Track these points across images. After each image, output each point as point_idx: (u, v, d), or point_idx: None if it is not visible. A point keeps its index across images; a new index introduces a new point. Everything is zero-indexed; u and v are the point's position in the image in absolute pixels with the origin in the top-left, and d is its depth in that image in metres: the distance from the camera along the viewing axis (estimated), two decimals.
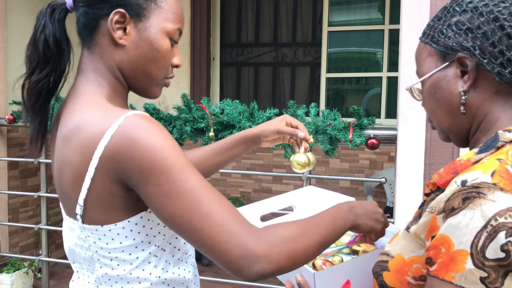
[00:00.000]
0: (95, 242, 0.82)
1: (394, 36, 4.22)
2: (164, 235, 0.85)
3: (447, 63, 0.76)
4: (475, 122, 0.77)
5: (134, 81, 0.87)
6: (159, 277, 0.86)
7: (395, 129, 1.87)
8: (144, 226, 0.82)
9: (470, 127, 0.79)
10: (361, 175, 4.12)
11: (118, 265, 0.83)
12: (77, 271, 0.93)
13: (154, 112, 2.39)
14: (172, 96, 4.51)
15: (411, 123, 1.73)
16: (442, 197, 0.67)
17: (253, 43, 4.64)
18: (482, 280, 0.61)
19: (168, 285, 0.88)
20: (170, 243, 0.87)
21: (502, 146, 0.71)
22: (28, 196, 3.34)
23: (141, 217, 0.81)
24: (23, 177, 3.44)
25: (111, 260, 0.83)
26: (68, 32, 0.87)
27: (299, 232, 0.76)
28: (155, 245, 0.84)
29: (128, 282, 0.84)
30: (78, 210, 0.80)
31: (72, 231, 0.87)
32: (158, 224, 0.83)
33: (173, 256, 0.88)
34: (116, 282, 0.84)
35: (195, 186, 0.74)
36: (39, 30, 0.85)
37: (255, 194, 4.39)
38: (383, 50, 4.28)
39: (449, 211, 0.65)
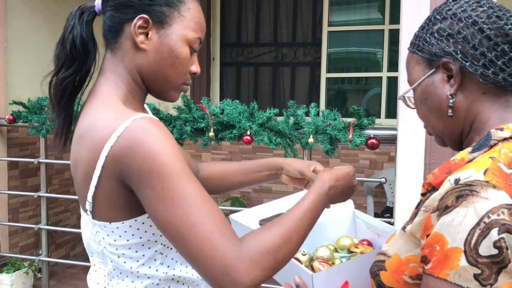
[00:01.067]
0: (103, 238, 0.85)
1: (394, 36, 4.22)
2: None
3: (433, 69, 0.79)
4: (467, 123, 0.79)
5: (153, 85, 0.90)
6: (166, 273, 0.88)
7: (395, 129, 1.87)
8: (150, 226, 0.84)
9: (462, 129, 0.80)
10: (361, 175, 4.12)
11: (125, 262, 0.85)
12: (94, 264, 0.95)
13: (154, 112, 2.39)
14: None
15: (411, 123, 1.73)
16: (436, 195, 0.68)
17: (253, 43, 4.64)
18: (475, 277, 0.61)
19: (178, 281, 0.90)
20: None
21: (495, 144, 0.72)
22: (28, 196, 3.34)
23: (148, 217, 0.83)
24: (23, 177, 3.44)
25: (118, 256, 0.85)
26: (95, 34, 0.91)
27: (283, 240, 0.77)
28: (161, 244, 0.86)
29: (138, 277, 0.86)
30: (88, 206, 0.83)
31: (86, 225, 0.90)
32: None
33: (179, 254, 0.89)
34: (127, 276, 0.86)
35: (188, 194, 0.75)
36: (67, 31, 0.88)
37: (255, 194, 4.39)
38: (383, 50, 4.28)
39: (443, 209, 0.66)
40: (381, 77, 4.32)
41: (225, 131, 2.26)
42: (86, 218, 0.88)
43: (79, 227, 1.78)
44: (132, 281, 0.87)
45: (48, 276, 3.06)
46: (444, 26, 0.77)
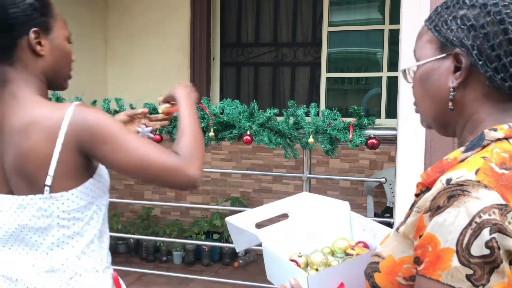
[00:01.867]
0: (58, 208, 1.04)
1: (394, 36, 4.22)
2: (100, 196, 1.11)
3: (444, 54, 0.76)
4: (461, 120, 0.78)
5: (54, 80, 1.11)
6: (99, 229, 1.12)
7: (395, 129, 1.87)
8: (91, 190, 1.07)
9: (454, 123, 0.79)
10: (361, 175, 4.12)
11: (73, 224, 1.06)
12: (19, 253, 1.08)
13: (154, 112, 2.39)
14: None
15: (411, 123, 1.73)
16: (428, 196, 0.67)
17: (253, 43, 4.64)
18: (468, 277, 0.61)
19: (100, 236, 1.13)
20: (103, 204, 1.13)
21: (488, 144, 0.71)
22: None
23: (90, 182, 1.07)
24: None
25: (69, 220, 1.05)
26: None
27: (194, 141, 1.09)
28: (96, 205, 1.10)
29: (82, 236, 1.08)
30: (48, 181, 1.01)
31: (26, 208, 1.04)
32: (98, 188, 1.09)
33: (103, 214, 1.14)
34: (72, 238, 1.07)
35: (132, 139, 1.02)
36: None
37: (255, 194, 4.39)
38: (383, 50, 4.28)
39: (434, 209, 0.65)
40: (381, 77, 4.32)
41: (225, 131, 2.26)
42: (30, 200, 1.03)
43: None
44: (77, 241, 1.07)
45: None
46: (469, 14, 0.73)
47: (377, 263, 0.77)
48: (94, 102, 2.56)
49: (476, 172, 0.65)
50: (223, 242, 4.10)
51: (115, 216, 4.53)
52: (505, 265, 0.61)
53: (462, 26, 0.73)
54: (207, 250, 4.15)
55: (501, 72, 0.71)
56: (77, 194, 1.04)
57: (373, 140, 2.01)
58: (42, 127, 1.00)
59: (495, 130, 0.72)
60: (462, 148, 0.73)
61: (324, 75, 4.41)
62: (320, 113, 2.29)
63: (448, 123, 0.80)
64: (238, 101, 2.29)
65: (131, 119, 1.49)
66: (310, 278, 0.89)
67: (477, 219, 0.61)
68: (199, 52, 4.40)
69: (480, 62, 0.72)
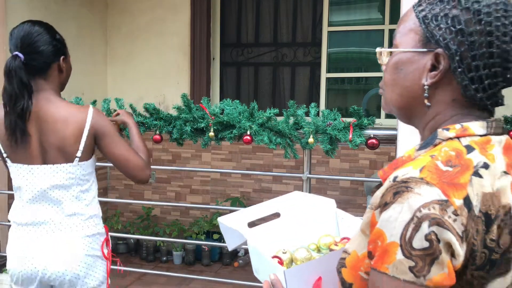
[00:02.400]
0: (80, 172, 1.61)
1: None
2: (95, 170, 1.70)
3: (425, 50, 0.75)
4: (425, 118, 0.79)
5: (63, 87, 1.68)
6: (97, 189, 1.71)
7: (395, 129, 1.87)
8: (94, 162, 1.67)
9: (418, 118, 0.80)
10: (361, 175, 4.12)
11: (86, 183, 1.64)
12: (45, 209, 1.62)
13: (154, 112, 2.39)
14: (172, 96, 4.51)
15: None
16: (378, 193, 0.71)
17: (253, 43, 4.64)
18: (410, 269, 0.64)
19: (94, 197, 1.69)
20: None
21: (439, 143, 0.74)
22: None
23: (93, 158, 1.66)
24: None
25: (84, 180, 1.63)
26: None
27: (148, 157, 1.71)
28: (95, 172, 1.70)
29: (89, 192, 1.65)
30: (79, 154, 1.58)
31: (54, 175, 1.58)
32: (94, 161, 1.67)
33: (96, 185, 1.71)
34: (84, 193, 1.63)
35: (122, 141, 1.64)
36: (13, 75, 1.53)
37: (255, 194, 4.39)
38: None
39: (382, 205, 0.68)
40: (381, 77, 4.31)
41: (225, 131, 2.26)
42: (62, 167, 1.58)
43: None
44: (87, 195, 1.65)
45: None
46: (461, 17, 0.71)
47: (344, 258, 0.79)
48: (94, 102, 2.55)
49: (421, 170, 0.68)
50: (223, 242, 4.09)
51: (115, 216, 4.53)
52: (444, 256, 0.64)
53: (452, 28, 0.72)
54: (207, 250, 4.16)
55: (476, 83, 0.72)
56: (90, 163, 1.64)
57: (373, 140, 2.01)
58: (75, 120, 1.56)
59: (448, 129, 0.74)
60: (417, 146, 0.77)
61: (324, 75, 4.41)
62: (320, 113, 2.29)
63: (412, 116, 0.81)
64: (238, 101, 2.29)
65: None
66: (287, 272, 0.90)
67: (418, 214, 0.64)
68: (199, 52, 4.40)
69: (459, 69, 0.72)
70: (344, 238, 1.12)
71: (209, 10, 4.41)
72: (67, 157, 1.57)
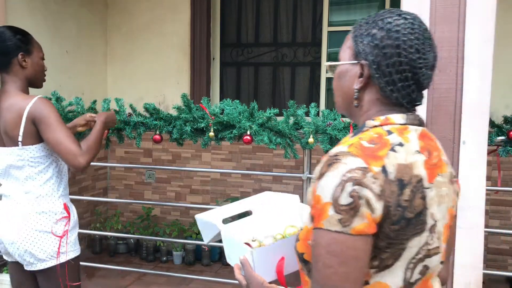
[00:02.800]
0: (27, 155, 1.80)
1: None
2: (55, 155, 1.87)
3: (355, 62, 0.96)
4: (360, 114, 0.98)
5: (34, 82, 1.90)
6: (56, 172, 1.89)
7: None
8: (47, 148, 1.82)
9: (357, 115, 0.99)
10: None
11: (38, 165, 1.83)
12: (7, 184, 1.88)
13: (154, 112, 2.39)
14: (172, 96, 4.52)
15: None
16: (318, 167, 0.88)
17: (253, 43, 4.64)
18: (339, 221, 0.81)
19: (51, 177, 1.87)
20: (60, 159, 1.88)
21: (367, 130, 0.93)
22: None
23: (43, 143, 1.81)
24: None
25: (35, 163, 1.82)
26: None
27: (93, 148, 1.83)
28: (54, 156, 1.87)
29: (44, 174, 1.85)
30: (20, 138, 1.77)
31: (9, 156, 1.81)
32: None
33: (59, 165, 1.91)
34: (38, 174, 1.83)
35: (61, 127, 1.76)
36: None
37: (255, 194, 4.39)
38: None
39: (319, 176, 0.86)
40: None
41: (225, 131, 2.26)
42: (11, 151, 1.80)
43: (79, 227, 1.88)
44: (41, 176, 1.83)
45: None
46: (378, 35, 0.92)
47: (298, 234, 0.96)
48: (94, 102, 2.56)
49: (349, 146, 0.87)
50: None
51: (115, 216, 4.54)
52: (364, 209, 0.81)
53: (371, 43, 0.93)
54: (207, 250, 4.16)
55: (391, 85, 0.92)
56: (39, 148, 1.81)
57: None
58: (17, 108, 1.76)
59: (374, 120, 0.94)
60: (350, 135, 0.98)
61: (324, 75, 4.41)
62: (320, 113, 2.29)
63: (352, 114, 1.01)
64: (238, 101, 2.29)
65: (86, 122, 2.14)
66: (255, 252, 1.05)
67: (344, 178, 0.82)
68: (199, 52, 4.40)
69: (376, 75, 0.92)
70: None
71: (209, 10, 4.41)
72: (13, 141, 1.78)
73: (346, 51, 0.99)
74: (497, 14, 1.60)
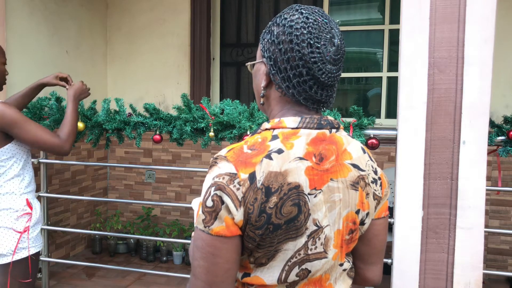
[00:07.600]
0: None
1: (394, 36, 4.22)
2: (19, 154, 1.99)
3: (260, 60, 0.97)
4: (268, 112, 0.99)
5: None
6: (18, 173, 1.99)
7: (395, 129, 1.87)
8: (10, 150, 1.94)
9: (266, 112, 1.01)
10: None
11: (6, 165, 1.95)
12: None
13: (154, 112, 2.39)
14: (172, 96, 4.51)
15: (411, 123, 1.73)
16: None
17: (253, 43, 4.64)
18: (203, 221, 0.86)
19: (18, 175, 2.00)
20: (23, 158, 2.01)
21: (260, 132, 0.94)
22: None
23: (9, 146, 1.94)
24: None
25: (5, 162, 1.94)
26: None
27: (71, 132, 2.05)
28: (16, 158, 1.98)
29: (6, 175, 1.96)
30: None
31: None
32: (17, 148, 1.97)
33: (23, 164, 2.02)
34: (6, 174, 1.96)
35: (32, 125, 1.90)
36: None
37: None
38: (383, 50, 4.28)
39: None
40: (381, 77, 4.32)
41: (225, 131, 2.26)
42: None
43: (79, 227, 1.87)
44: (3, 178, 1.95)
45: (48, 276, 3.07)
46: (275, 32, 0.92)
47: None
48: (94, 102, 2.56)
49: (228, 151, 0.89)
50: None
51: (115, 216, 4.53)
52: (223, 213, 0.84)
53: (269, 40, 0.93)
54: None
55: (287, 82, 0.91)
56: (3, 151, 1.92)
57: (373, 140, 2.01)
58: None
59: (268, 122, 0.94)
60: (250, 134, 0.98)
61: None
62: None
63: (265, 112, 1.02)
64: (238, 101, 2.29)
65: (58, 81, 2.28)
66: (194, 201, 1.10)
67: (212, 182, 0.86)
68: (199, 52, 4.40)
69: (273, 71, 0.92)
70: None
71: (209, 10, 4.41)
72: None
73: (258, 51, 0.99)
74: (497, 14, 1.60)
